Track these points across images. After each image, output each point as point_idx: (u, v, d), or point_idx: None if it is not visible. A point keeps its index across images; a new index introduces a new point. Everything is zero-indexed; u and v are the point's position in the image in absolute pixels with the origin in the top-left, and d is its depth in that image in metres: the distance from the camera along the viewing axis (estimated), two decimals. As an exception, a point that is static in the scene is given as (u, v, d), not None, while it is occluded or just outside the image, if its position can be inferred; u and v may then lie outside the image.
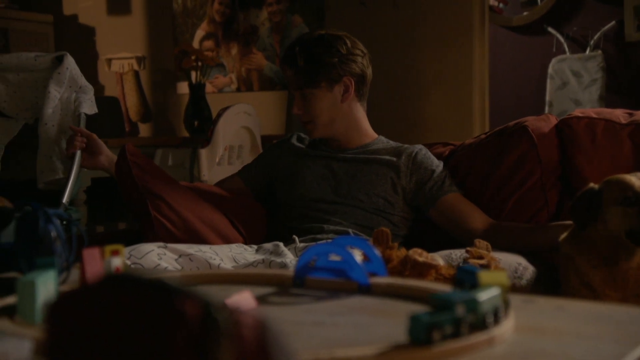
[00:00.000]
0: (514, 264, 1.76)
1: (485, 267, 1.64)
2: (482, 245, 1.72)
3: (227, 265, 1.81)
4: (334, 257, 1.15)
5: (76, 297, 0.54)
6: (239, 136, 3.38)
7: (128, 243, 1.82)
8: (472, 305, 0.84)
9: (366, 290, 1.10)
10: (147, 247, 1.76)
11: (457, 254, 1.79)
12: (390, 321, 0.97)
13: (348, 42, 2.19)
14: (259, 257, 1.88)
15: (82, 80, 2.44)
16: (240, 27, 4.51)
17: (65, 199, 2.16)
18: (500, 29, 5.47)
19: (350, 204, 2.13)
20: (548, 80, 5.14)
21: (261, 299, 1.07)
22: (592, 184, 1.62)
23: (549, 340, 0.86)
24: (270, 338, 0.49)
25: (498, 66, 5.36)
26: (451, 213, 2.09)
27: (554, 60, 5.14)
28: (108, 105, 4.38)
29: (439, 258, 1.71)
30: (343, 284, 1.12)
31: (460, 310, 0.83)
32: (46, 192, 2.34)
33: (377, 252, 1.19)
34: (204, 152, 3.19)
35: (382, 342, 0.81)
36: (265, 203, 2.32)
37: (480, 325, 0.85)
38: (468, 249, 1.71)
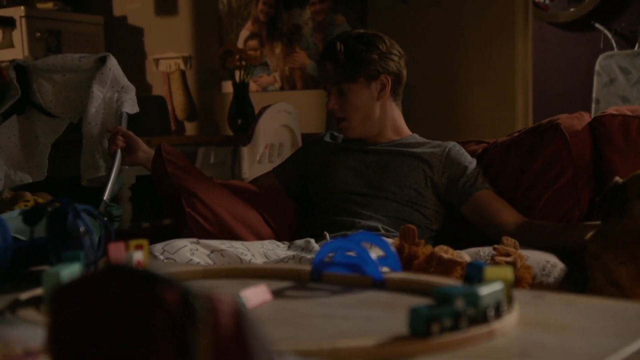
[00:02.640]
0: (542, 261, 1.77)
1: (512, 264, 1.66)
2: (509, 242, 1.73)
3: (259, 261, 1.85)
4: (352, 253, 1.18)
5: (75, 286, 0.58)
6: (279, 134, 3.42)
7: (169, 239, 1.88)
8: (473, 299, 0.87)
9: (380, 285, 1.13)
10: (180, 242, 1.81)
11: (485, 251, 1.81)
12: (399, 315, 0.99)
13: (387, 41, 2.23)
14: (290, 253, 1.92)
15: (124, 80, 2.50)
16: (284, 26, 4.56)
17: (106, 196, 2.23)
18: (547, 26, 5.43)
19: (382, 196, 2.15)
20: (595, 77, 5.07)
21: (278, 293, 1.11)
22: (617, 178, 1.62)
23: (550, 334, 0.88)
24: (247, 325, 0.53)
25: (544, 63, 5.31)
26: (483, 210, 2.10)
27: (601, 57, 5.07)
28: (155, 104, 4.48)
29: (465, 255, 1.72)
30: (358, 278, 1.15)
31: (459, 304, 0.85)
32: (90, 189, 2.41)
33: (393, 248, 1.22)
34: (245, 150, 3.24)
35: (386, 334, 0.84)
36: (299, 200, 2.36)
37: (480, 318, 0.87)
38: (495, 246, 1.72)
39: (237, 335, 0.52)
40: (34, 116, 2.64)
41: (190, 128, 4.95)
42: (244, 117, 4.15)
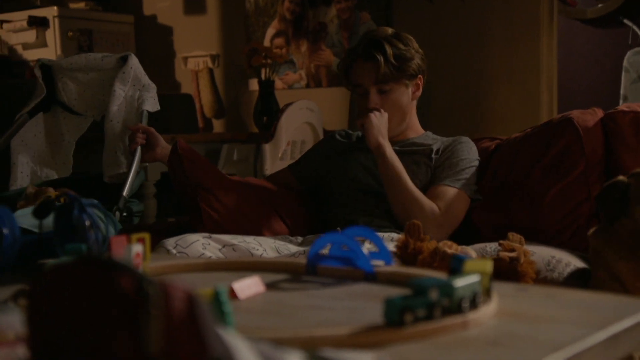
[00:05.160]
0: (547, 256, 1.78)
1: (516, 259, 1.68)
2: (515, 238, 1.75)
3: (270, 255, 1.89)
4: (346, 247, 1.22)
5: (49, 276, 0.63)
6: (301, 132, 3.47)
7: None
8: (447, 290, 0.90)
9: (372, 277, 1.16)
10: (192, 237, 1.85)
11: (492, 246, 1.83)
12: (384, 306, 1.03)
13: (414, 41, 2.25)
14: (302, 248, 1.96)
15: (146, 79, 2.57)
16: (310, 24, 4.60)
17: (125, 192, 2.29)
18: (574, 22, 5.40)
19: None
20: (623, 74, 5.03)
21: (272, 285, 1.15)
22: (621, 177, 1.63)
23: (524, 324, 0.91)
24: (199, 311, 0.57)
25: (571, 60, 5.28)
26: (432, 199, 2.12)
27: (629, 53, 5.02)
28: (183, 102, 4.54)
29: (471, 251, 1.75)
30: (351, 271, 1.18)
31: (433, 295, 0.88)
32: (113, 185, 2.47)
33: (392, 244, 1.25)
34: (267, 147, 3.29)
35: (364, 323, 0.88)
36: (313, 196, 2.39)
37: (455, 309, 0.90)
38: (501, 242, 1.74)
39: (190, 321, 0.56)
40: (59, 114, 2.72)
41: (218, 125, 5.02)
42: (270, 115, 4.19)
